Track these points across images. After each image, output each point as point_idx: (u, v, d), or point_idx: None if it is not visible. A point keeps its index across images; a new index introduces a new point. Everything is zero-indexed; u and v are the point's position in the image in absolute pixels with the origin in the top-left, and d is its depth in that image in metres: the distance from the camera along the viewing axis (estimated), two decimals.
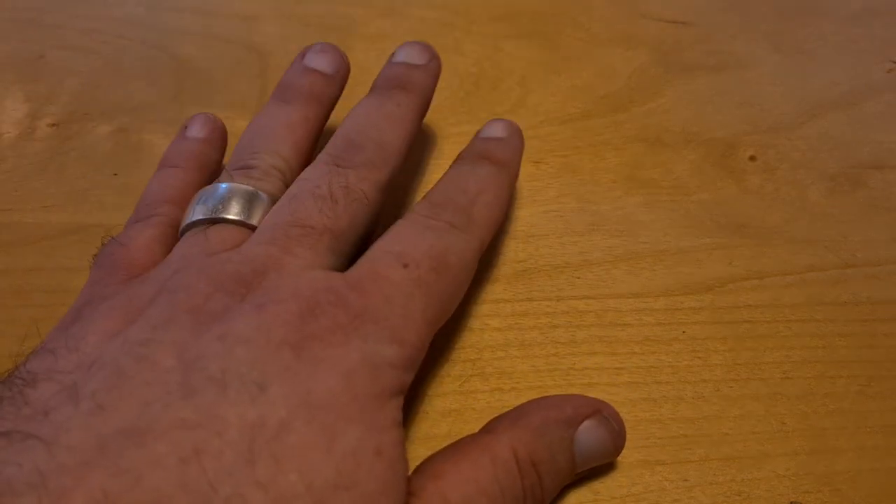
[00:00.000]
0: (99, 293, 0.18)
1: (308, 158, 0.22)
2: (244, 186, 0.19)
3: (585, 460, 0.18)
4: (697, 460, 0.20)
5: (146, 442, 0.13)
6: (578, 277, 0.24)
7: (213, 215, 0.19)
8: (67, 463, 0.12)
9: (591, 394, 0.21)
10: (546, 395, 0.21)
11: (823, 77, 0.31)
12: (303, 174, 0.20)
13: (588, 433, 0.18)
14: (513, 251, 0.24)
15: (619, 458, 0.20)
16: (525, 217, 0.25)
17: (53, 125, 0.28)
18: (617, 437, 0.19)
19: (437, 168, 0.27)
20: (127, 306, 0.16)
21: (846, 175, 0.28)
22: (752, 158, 0.28)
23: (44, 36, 0.31)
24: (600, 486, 0.19)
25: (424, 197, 0.20)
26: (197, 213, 0.19)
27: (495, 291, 0.23)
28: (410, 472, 0.16)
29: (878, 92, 0.31)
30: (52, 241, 0.24)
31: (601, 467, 0.20)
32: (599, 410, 0.18)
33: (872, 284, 0.24)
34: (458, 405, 0.21)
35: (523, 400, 0.21)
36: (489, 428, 0.18)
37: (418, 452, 0.19)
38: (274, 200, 0.19)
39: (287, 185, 0.20)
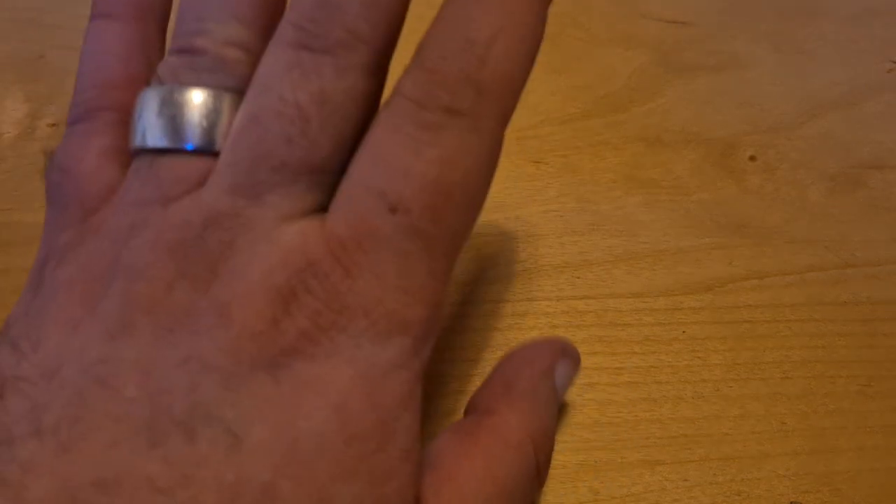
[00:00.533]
0: (55, 244, 0.15)
1: (277, 12, 0.15)
2: (195, 94, 0.14)
3: (562, 397, 0.18)
4: (697, 460, 0.20)
5: (117, 503, 0.11)
6: (578, 277, 0.24)
7: (162, 144, 0.14)
8: None
9: (591, 394, 0.21)
10: None
11: (823, 77, 0.31)
12: (260, 68, 0.14)
13: (560, 377, 0.18)
14: (513, 251, 0.24)
15: (619, 458, 0.20)
16: (525, 217, 0.25)
17: (53, 125, 0.28)
18: (577, 369, 0.18)
19: None
20: (85, 279, 0.14)
21: (846, 175, 0.28)
22: (752, 158, 0.28)
23: (44, 36, 0.31)
24: (600, 486, 0.19)
25: (413, 58, 0.15)
26: (144, 137, 0.14)
27: (495, 291, 0.23)
28: (427, 469, 0.15)
29: (878, 92, 0.31)
30: None
31: (601, 467, 0.20)
32: (564, 349, 0.18)
33: (872, 284, 0.24)
34: (458, 405, 0.21)
35: None
36: (487, 408, 0.16)
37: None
38: (240, 96, 0.14)
39: (255, 66, 0.14)
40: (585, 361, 0.22)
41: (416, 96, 0.14)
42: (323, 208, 0.14)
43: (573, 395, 0.21)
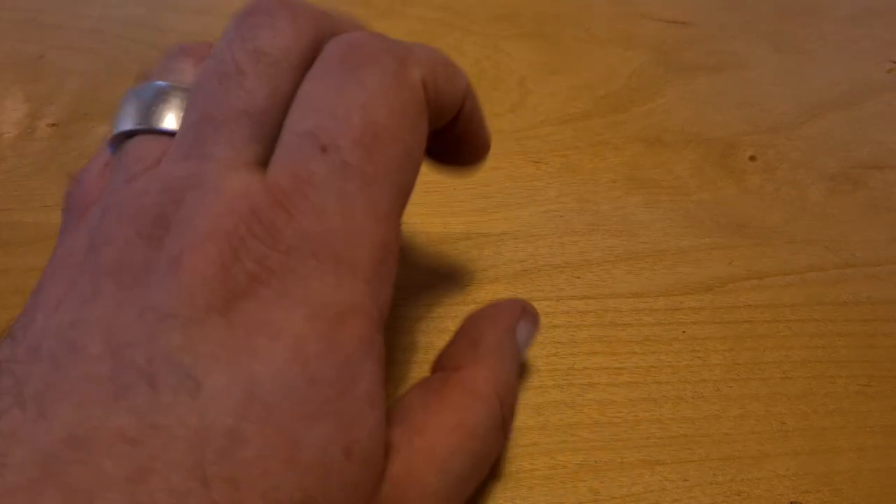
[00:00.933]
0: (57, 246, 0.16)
1: None
2: (157, 84, 0.16)
3: (524, 354, 0.19)
4: (697, 460, 0.20)
5: (91, 458, 0.12)
6: (578, 277, 0.24)
7: (126, 127, 0.16)
8: (19, 482, 0.11)
9: (591, 394, 0.21)
10: (546, 391, 0.21)
11: (823, 77, 0.31)
12: (214, 47, 0.16)
13: (522, 335, 0.18)
14: (513, 251, 0.24)
15: (619, 458, 0.20)
16: (525, 217, 0.25)
17: (53, 125, 0.28)
18: (538, 328, 0.19)
19: None
20: (67, 265, 0.15)
21: (846, 175, 0.28)
22: (752, 158, 0.28)
23: (44, 36, 0.31)
24: (600, 486, 0.19)
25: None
26: (116, 125, 0.16)
27: (495, 291, 0.23)
28: (395, 425, 0.15)
29: (878, 92, 0.31)
30: (52, 241, 0.24)
31: (601, 467, 0.20)
32: (524, 309, 0.19)
33: (872, 284, 0.24)
34: None
35: (522, 399, 0.21)
36: (454, 364, 0.17)
37: None
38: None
39: None
40: (585, 362, 0.22)
41: (340, 51, 0.15)
42: (266, 162, 0.15)
43: (573, 395, 0.21)
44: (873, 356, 0.22)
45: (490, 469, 0.17)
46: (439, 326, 0.22)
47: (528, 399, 0.21)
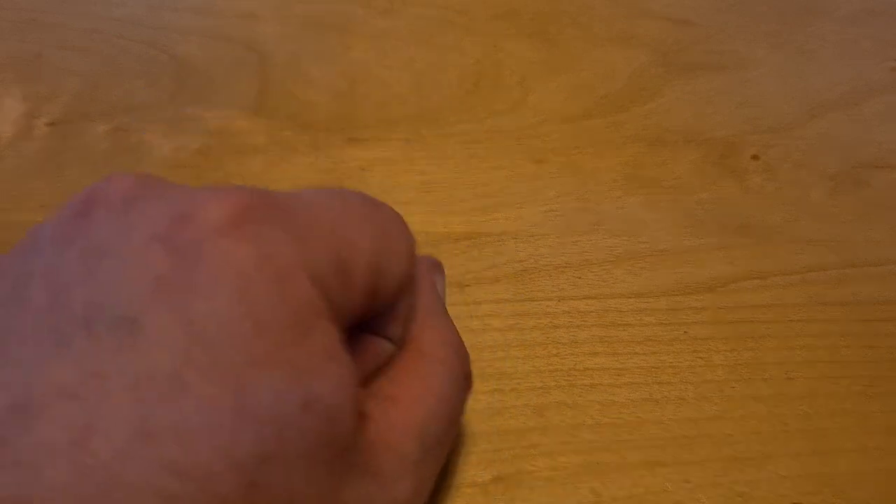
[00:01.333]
0: None
1: None
2: None
3: None
4: (699, 461, 0.20)
5: (34, 423, 0.11)
6: (579, 277, 0.24)
7: None
8: None
9: (593, 395, 0.21)
10: (547, 392, 0.21)
11: (824, 77, 0.31)
12: None
13: (438, 284, 0.18)
14: (513, 250, 0.24)
15: (620, 459, 0.20)
16: (526, 216, 0.25)
17: (52, 124, 0.28)
18: (444, 276, 0.19)
19: (437, 168, 0.27)
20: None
21: (848, 175, 0.27)
22: (754, 158, 0.28)
23: (42, 35, 0.31)
24: (601, 488, 0.19)
25: None
26: None
27: (496, 291, 0.23)
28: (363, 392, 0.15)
29: (879, 92, 0.31)
30: None
31: (602, 468, 0.19)
32: (433, 264, 0.19)
33: (875, 284, 0.24)
34: None
35: (524, 400, 0.21)
36: (403, 337, 0.16)
37: None
38: None
39: None
40: (587, 362, 0.22)
41: None
42: None
43: (574, 395, 0.21)
44: (876, 357, 0.22)
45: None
46: None
47: (530, 400, 0.21)
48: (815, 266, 0.24)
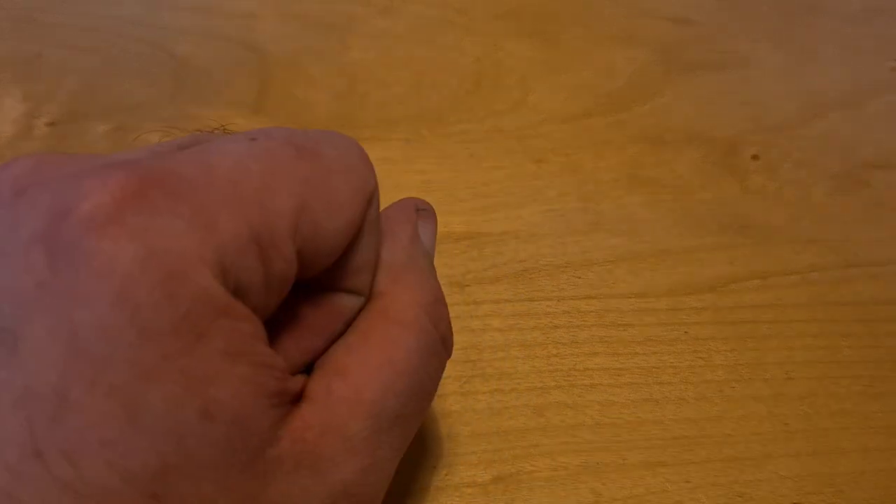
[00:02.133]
0: None
1: None
2: None
3: (433, 255, 0.17)
4: (700, 461, 0.20)
5: None
6: (580, 277, 0.24)
7: None
8: None
9: (593, 395, 0.21)
10: (547, 392, 0.20)
11: (826, 76, 0.31)
12: None
13: (425, 236, 0.16)
14: (514, 250, 0.24)
15: (621, 460, 0.20)
16: (526, 216, 0.25)
17: (51, 124, 0.28)
18: (435, 220, 0.17)
19: (437, 168, 0.27)
20: None
21: (849, 174, 0.27)
22: (755, 158, 0.28)
23: (42, 34, 0.31)
24: (602, 488, 0.19)
25: None
26: None
27: (496, 291, 0.23)
28: (314, 370, 0.14)
29: (880, 91, 0.31)
30: None
31: (602, 469, 0.19)
32: (417, 207, 0.17)
33: (875, 284, 0.24)
34: (458, 406, 0.20)
35: (524, 400, 0.21)
36: (373, 292, 0.15)
37: (417, 454, 0.19)
38: None
39: None
40: (587, 362, 0.22)
41: None
42: None
43: (574, 395, 0.21)
44: (877, 356, 0.22)
45: (434, 396, 0.15)
46: None
47: (530, 400, 0.21)
48: (815, 266, 0.24)
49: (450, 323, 0.16)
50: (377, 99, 0.29)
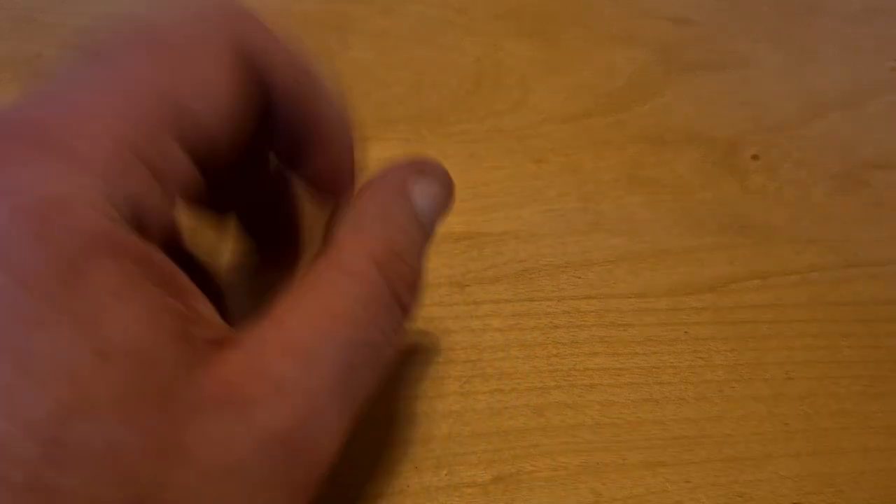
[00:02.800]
0: None
1: None
2: None
3: (432, 222, 0.16)
4: (700, 461, 0.20)
5: None
6: (580, 277, 0.24)
7: None
8: None
9: (593, 395, 0.21)
10: (547, 392, 0.20)
11: (826, 76, 0.31)
12: None
13: (423, 196, 0.16)
14: (513, 250, 0.24)
15: (620, 460, 0.20)
16: (526, 216, 0.25)
17: None
18: (447, 187, 0.16)
19: None
20: None
21: (849, 174, 0.27)
22: (755, 158, 0.28)
23: (42, 35, 0.31)
24: (602, 488, 0.19)
25: None
26: None
27: (496, 291, 0.23)
28: (256, 319, 0.13)
29: (881, 91, 0.31)
30: None
31: (602, 469, 0.19)
32: (422, 168, 0.16)
33: (875, 284, 0.24)
34: (458, 406, 0.20)
35: (524, 400, 0.21)
36: (331, 242, 0.15)
37: (417, 454, 0.19)
38: None
39: None
40: (587, 362, 0.22)
41: None
42: None
43: (574, 395, 0.21)
44: (877, 357, 0.22)
45: (393, 358, 0.15)
46: (440, 327, 0.22)
47: (530, 400, 0.21)
48: (815, 266, 0.24)
49: (412, 283, 0.15)
50: (377, 99, 0.29)
